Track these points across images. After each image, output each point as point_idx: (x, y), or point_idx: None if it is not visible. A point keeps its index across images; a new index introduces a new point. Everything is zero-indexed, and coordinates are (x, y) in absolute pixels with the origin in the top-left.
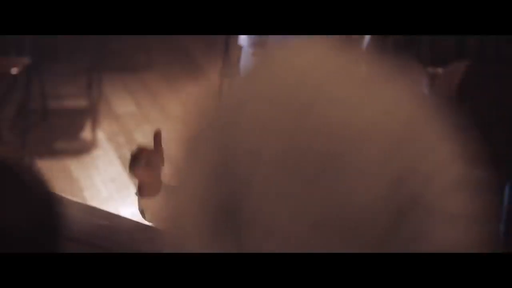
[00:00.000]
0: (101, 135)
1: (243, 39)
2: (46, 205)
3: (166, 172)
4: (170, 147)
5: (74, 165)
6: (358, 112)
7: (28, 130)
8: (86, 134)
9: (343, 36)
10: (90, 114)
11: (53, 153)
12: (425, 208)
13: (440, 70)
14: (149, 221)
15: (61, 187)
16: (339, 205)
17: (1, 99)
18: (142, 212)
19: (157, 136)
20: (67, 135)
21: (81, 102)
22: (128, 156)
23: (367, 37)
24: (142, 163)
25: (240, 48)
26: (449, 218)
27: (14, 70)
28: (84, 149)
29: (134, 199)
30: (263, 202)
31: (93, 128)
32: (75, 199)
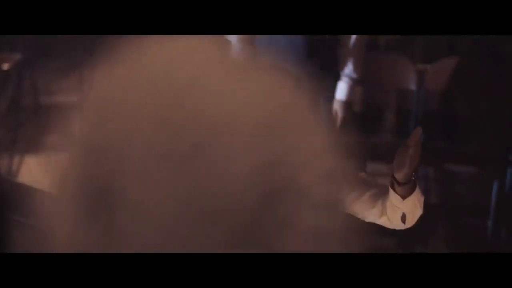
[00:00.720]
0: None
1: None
2: None
3: None
4: None
5: (63, 161)
6: (228, 102)
7: (19, 126)
8: (75, 129)
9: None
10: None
11: (43, 148)
12: (296, 195)
13: (429, 67)
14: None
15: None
16: (208, 191)
17: None
18: None
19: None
20: (57, 130)
21: (70, 98)
22: None
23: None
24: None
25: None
26: (318, 206)
27: (5, 66)
28: (72, 144)
29: None
30: (132, 187)
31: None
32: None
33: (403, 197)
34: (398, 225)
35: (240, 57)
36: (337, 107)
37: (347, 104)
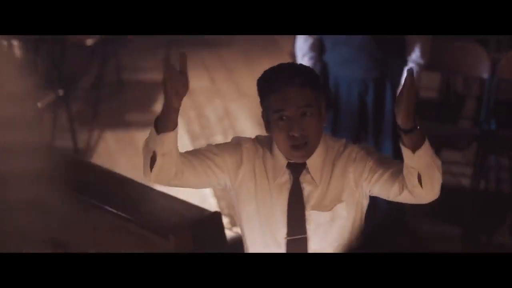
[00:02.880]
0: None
1: None
2: None
3: None
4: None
5: (142, 138)
6: None
7: (102, 101)
8: (158, 107)
9: None
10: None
11: (123, 124)
12: None
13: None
14: (156, 169)
15: (128, 159)
16: None
17: (78, 70)
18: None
19: (182, 59)
20: (139, 107)
21: (156, 76)
22: (197, 130)
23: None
24: (170, 85)
25: None
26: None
27: (89, 42)
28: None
29: None
30: None
31: None
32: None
33: (413, 149)
34: (418, 193)
35: None
36: None
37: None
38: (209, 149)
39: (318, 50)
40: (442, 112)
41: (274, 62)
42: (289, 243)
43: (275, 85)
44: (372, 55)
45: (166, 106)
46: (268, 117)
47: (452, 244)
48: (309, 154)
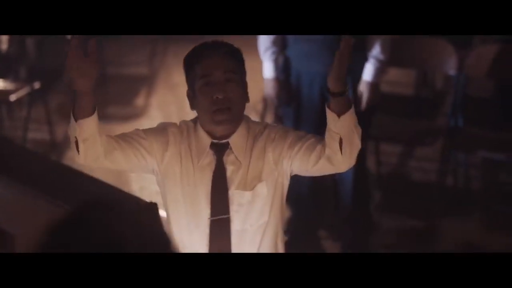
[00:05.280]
0: (154, 102)
1: None
2: None
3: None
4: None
5: (120, 131)
6: None
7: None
8: (140, 101)
9: None
10: (148, 82)
11: (104, 118)
12: None
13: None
14: (81, 151)
15: None
16: None
17: (59, 63)
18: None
19: (92, 44)
20: (121, 101)
21: (141, 70)
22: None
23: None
24: (75, 67)
25: None
26: None
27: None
28: (134, 115)
29: None
30: None
31: (147, 96)
32: None
33: (338, 113)
34: (337, 161)
35: None
36: (363, 88)
37: (374, 85)
38: (136, 133)
39: (280, 44)
40: (415, 108)
41: None
42: (212, 224)
43: (201, 55)
44: (333, 50)
45: (76, 91)
46: (194, 91)
47: (411, 239)
48: (231, 122)
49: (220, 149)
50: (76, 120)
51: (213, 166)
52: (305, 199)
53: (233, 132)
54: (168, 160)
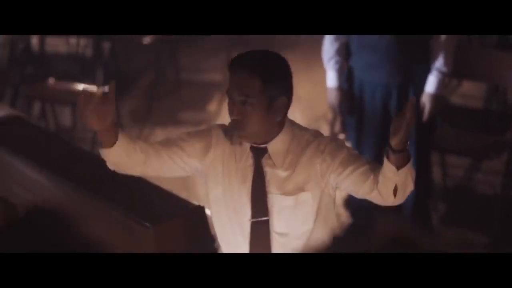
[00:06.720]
0: (226, 108)
1: None
2: None
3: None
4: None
5: None
6: None
7: (157, 99)
8: (212, 106)
9: None
10: (221, 88)
11: (175, 123)
12: None
13: None
14: (111, 168)
15: None
16: None
17: (134, 68)
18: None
19: (111, 86)
20: (194, 106)
21: (215, 76)
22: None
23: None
24: (90, 107)
25: None
26: None
27: (145, 40)
28: (206, 121)
29: None
30: None
31: (220, 102)
32: None
33: (398, 167)
34: (388, 199)
35: None
36: (425, 100)
37: (436, 97)
38: (179, 136)
39: (344, 54)
40: (484, 121)
41: None
42: (253, 225)
43: (231, 68)
44: (396, 61)
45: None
46: None
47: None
48: (248, 139)
49: (259, 152)
50: (102, 148)
51: (253, 168)
52: (365, 208)
53: (272, 138)
54: (211, 160)
